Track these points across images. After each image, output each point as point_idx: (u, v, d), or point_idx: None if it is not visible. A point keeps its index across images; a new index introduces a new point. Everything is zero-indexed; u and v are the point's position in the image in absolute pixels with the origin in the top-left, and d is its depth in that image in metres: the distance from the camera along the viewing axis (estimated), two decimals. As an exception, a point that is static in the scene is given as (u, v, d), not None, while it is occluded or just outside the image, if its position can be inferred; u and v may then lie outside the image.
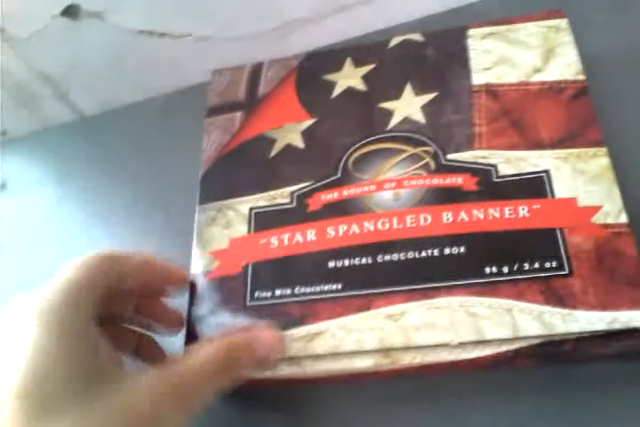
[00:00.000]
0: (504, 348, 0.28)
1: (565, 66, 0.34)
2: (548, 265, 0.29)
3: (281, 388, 0.32)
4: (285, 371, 0.30)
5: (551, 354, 0.28)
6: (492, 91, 0.35)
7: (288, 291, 0.32)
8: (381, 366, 0.29)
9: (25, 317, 0.24)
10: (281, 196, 0.35)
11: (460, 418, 0.30)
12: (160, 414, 0.24)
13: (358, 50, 0.39)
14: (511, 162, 0.32)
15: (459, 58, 0.36)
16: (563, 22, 0.36)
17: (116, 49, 0.47)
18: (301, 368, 0.30)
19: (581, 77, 0.34)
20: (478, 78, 0.35)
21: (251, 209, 0.35)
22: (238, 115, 0.39)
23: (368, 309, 0.30)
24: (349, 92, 0.37)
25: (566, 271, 0.28)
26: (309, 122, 0.37)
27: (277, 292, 0.32)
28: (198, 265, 0.34)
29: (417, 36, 0.38)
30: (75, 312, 0.24)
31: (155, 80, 0.49)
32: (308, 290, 0.31)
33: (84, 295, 0.26)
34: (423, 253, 0.31)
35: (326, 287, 0.31)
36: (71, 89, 0.51)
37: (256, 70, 0.40)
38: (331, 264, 0.32)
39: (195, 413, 0.27)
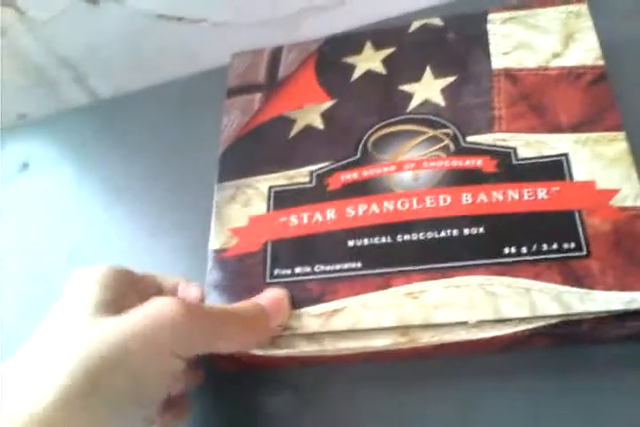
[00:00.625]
0: (521, 327, 0.28)
1: (585, 51, 0.34)
2: (566, 246, 0.29)
3: (297, 367, 0.33)
4: (304, 349, 0.31)
5: (567, 334, 0.29)
6: (511, 75, 0.35)
7: (308, 269, 0.32)
8: (400, 344, 0.30)
9: (88, 280, 0.29)
10: (300, 175, 0.35)
11: (475, 399, 0.30)
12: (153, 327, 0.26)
13: (378, 34, 0.39)
14: (530, 145, 0.32)
15: (478, 42, 0.36)
16: (583, 8, 0.36)
17: (134, 33, 0.48)
18: (320, 346, 0.30)
19: (600, 63, 0.34)
20: (498, 63, 0.35)
21: (270, 188, 0.35)
22: (258, 96, 0.39)
23: (387, 287, 0.30)
24: (369, 75, 0.38)
25: (584, 253, 0.29)
26: (329, 103, 0.37)
27: (297, 269, 0.32)
28: (216, 242, 0.34)
29: (437, 21, 0.38)
30: (118, 282, 0.29)
31: (172, 65, 0.49)
32: (328, 268, 0.32)
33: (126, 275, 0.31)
34: (442, 234, 0.31)
35: (346, 266, 0.31)
36: (89, 73, 0.51)
37: (276, 53, 0.41)
38: (350, 243, 0.32)
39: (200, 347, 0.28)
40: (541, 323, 0.28)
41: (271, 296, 0.31)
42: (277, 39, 0.41)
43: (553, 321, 0.28)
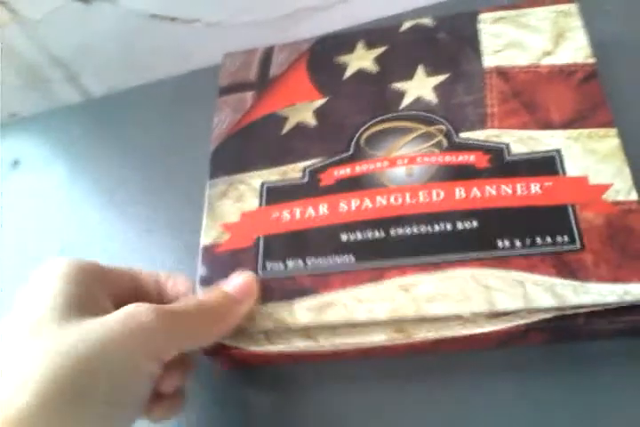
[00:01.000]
0: (517, 322, 0.28)
1: (575, 50, 0.35)
2: (560, 240, 0.29)
3: (292, 363, 0.33)
4: (300, 345, 0.30)
5: (563, 329, 0.29)
6: (503, 73, 0.35)
7: (300, 263, 0.32)
8: (395, 340, 0.29)
9: (53, 274, 0.29)
10: (293, 171, 0.35)
11: (471, 395, 0.30)
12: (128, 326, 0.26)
13: (370, 33, 0.40)
14: (523, 141, 0.32)
15: (470, 41, 0.37)
16: (572, 7, 0.36)
17: (126, 33, 0.48)
18: (315, 342, 0.30)
19: (591, 61, 0.34)
20: (489, 61, 0.36)
21: (262, 183, 0.35)
22: (250, 94, 0.39)
23: (380, 280, 0.30)
24: (361, 74, 0.38)
25: (578, 246, 0.29)
26: (321, 101, 0.37)
27: (289, 264, 0.32)
28: (208, 237, 0.34)
29: (428, 21, 0.39)
30: (82, 278, 0.29)
31: (165, 64, 0.49)
32: (320, 262, 0.31)
33: (94, 269, 0.30)
34: (436, 228, 0.31)
35: (338, 260, 0.31)
36: (81, 72, 0.51)
37: (267, 53, 0.41)
38: (343, 237, 0.32)
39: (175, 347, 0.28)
40: (535, 318, 0.28)
41: (240, 282, 0.31)
42: (271, 40, 0.41)
43: (547, 316, 0.28)
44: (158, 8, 0.46)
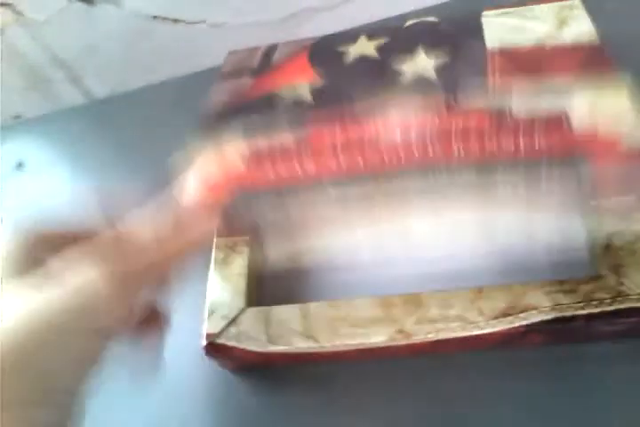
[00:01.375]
0: (516, 323, 0.27)
1: (579, 33, 0.34)
2: (568, 188, 0.27)
3: (293, 364, 0.31)
4: (300, 345, 0.29)
5: (561, 331, 0.27)
6: (506, 52, 0.34)
7: (283, 214, 0.30)
8: (395, 340, 0.28)
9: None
10: (284, 137, 0.33)
11: (469, 396, 0.29)
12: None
13: (372, 29, 0.40)
14: (526, 102, 0.31)
15: (473, 30, 0.37)
16: (576, 2, 0.36)
17: (130, 34, 0.48)
18: (316, 343, 0.29)
19: (596, 42, 0.33)
20: (492, 43, 0.35)
21: (250, 148, 0.33)
22: (248, 79, 0.39)
23: (371, 226, 0.28)
24: (362, 59, 0.37)
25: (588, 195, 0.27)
26: (320, 82, 0.36)
27: (271, 216, 0.30)
28: (189, 196, 0.32)
29: (431, 19, 0.39)
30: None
31: (168, 66, 0.49)
32: (306, 213, 0.29)
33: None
34: (431, 180, 0.29)
35: (326, 210, 0.29)
36: (85, 73, 0.52)
37: (270, 49, 0.41)
38: (332, 192, 0.30)
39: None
40: (536, 319, 0.27)
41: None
42: (275, 41, 0.42)
43: (548, 317, 0.27)
44: (162, 9, 0.47)
